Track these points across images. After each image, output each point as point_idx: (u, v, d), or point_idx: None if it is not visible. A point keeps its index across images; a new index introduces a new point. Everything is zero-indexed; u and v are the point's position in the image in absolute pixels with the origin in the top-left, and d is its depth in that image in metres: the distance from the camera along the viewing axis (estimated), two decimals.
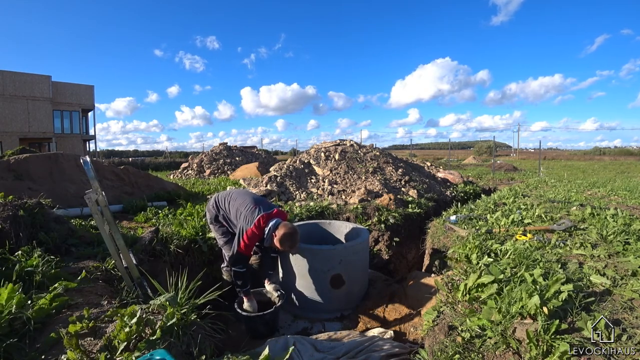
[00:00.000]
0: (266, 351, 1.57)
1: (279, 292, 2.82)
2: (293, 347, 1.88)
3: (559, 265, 2.15)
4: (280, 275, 3.18)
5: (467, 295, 1.90)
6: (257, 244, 2.68)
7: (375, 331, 2.53)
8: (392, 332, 2.49)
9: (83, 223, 3.46)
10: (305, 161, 7.58)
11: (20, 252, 2.19)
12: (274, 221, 2.51)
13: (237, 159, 16.05)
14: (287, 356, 1.57)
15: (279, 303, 2.69)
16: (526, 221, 3.34)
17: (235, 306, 2.60)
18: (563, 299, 1.59)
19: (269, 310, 2.57)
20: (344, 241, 3.54)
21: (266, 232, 2.50)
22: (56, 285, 1.87)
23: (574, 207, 3.91)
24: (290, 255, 2.92)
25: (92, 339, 1.46)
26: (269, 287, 2.88)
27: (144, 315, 1.52)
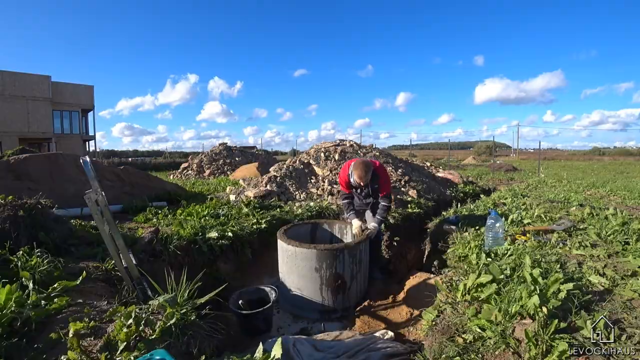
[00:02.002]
0: (261, 348, 1.57)
1: (269, 288, 2.90)
2: (291, 345, 1.88)
3: (559, 265, 2.16)
4: (280, 274, 3.18)
5: (467, 295, 1.90)
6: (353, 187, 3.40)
7: (375, 331, 2.53)
8: (391, 332, 2.49)
9: (83, 223, 3.46)
10: (305, 161, 7.58)
11: (20, 252, 2.19)
12: (353, 163, 3.25)
13: (236, 159, 16.07)
14: (279, 353, 1.57)
15: (275, 297, 2.74)
16: (526, 221, 3.34)
17: (230, 306, 2.61)
18: (562, 298, 1.60)
19: (267, 307, 2.61)
20: (344, 241, 3.54)
21: (348, 172, 3.26)
22: (56, 285, 1.87)
23: (574, 207, 3.91)
24: (290, 255, 2.93)
25: (92, 339, 1.46)
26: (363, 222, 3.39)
27: (143, 315, 1.52)
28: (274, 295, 2.78)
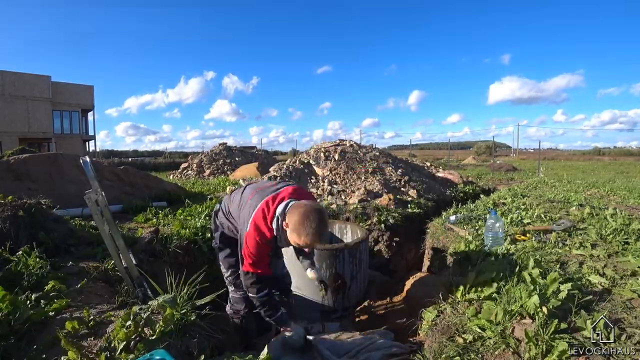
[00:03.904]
0: (265, 350, 1.58)
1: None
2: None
3: (559, 265, 2.16)
4: None
5: (467, 295, 1.90)
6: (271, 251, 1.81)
7: (375, 331, 2.53)
8: (391, 332, 2.49)
9: (83, 223, 3.45)
10: (305, 161, 7.58)
11: (20, 252, 2.19)
12: (282, 205, 1.66)
13: (236, 159, 16.08)
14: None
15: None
16: (525, 221, 3.34)
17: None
18: (562, 298, 1.60)
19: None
20: (344, 241, 3.54)
21: (274, 226, 1.67)
22: (53, 284, 1.87)
23: (573, 207, 3.91)
24: (290, 255, 2.92)
25: (92, 339, 1.46)
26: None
27: (143, 316, 1.52)
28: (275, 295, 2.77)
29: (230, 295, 2.26)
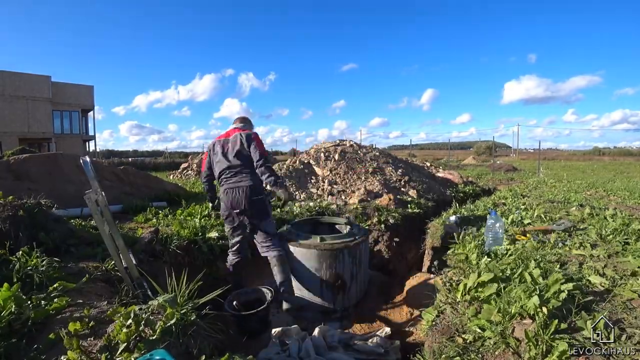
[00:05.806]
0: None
1: (266, 289, 2.84)
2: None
3: (559, 266, 2.16)
4: None
5: (467, 295, 1.90)
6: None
7: (375, 330, 2.53)
8: (388, 328, 2.49)
9: (83, 223, 3.45)
10: (305, 161, 7.58)
11: (20, 252, 2.19)
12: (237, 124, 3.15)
13: None
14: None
15: (270, 298, 2.71)
16: (525, 221, 3.34)
17: (226, 307, 2.59)
18: (562, 298, 1.59)
19: (260, 308, 2.59)
20: None
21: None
22: (56, 285, 1.87)
23: (573, 207, 3.91)
24: (290, 255, 2.92)
25: (92, 339, 1.46)
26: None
27: (143, 316, 1.52)
28: (269, 296, 2.76)
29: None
